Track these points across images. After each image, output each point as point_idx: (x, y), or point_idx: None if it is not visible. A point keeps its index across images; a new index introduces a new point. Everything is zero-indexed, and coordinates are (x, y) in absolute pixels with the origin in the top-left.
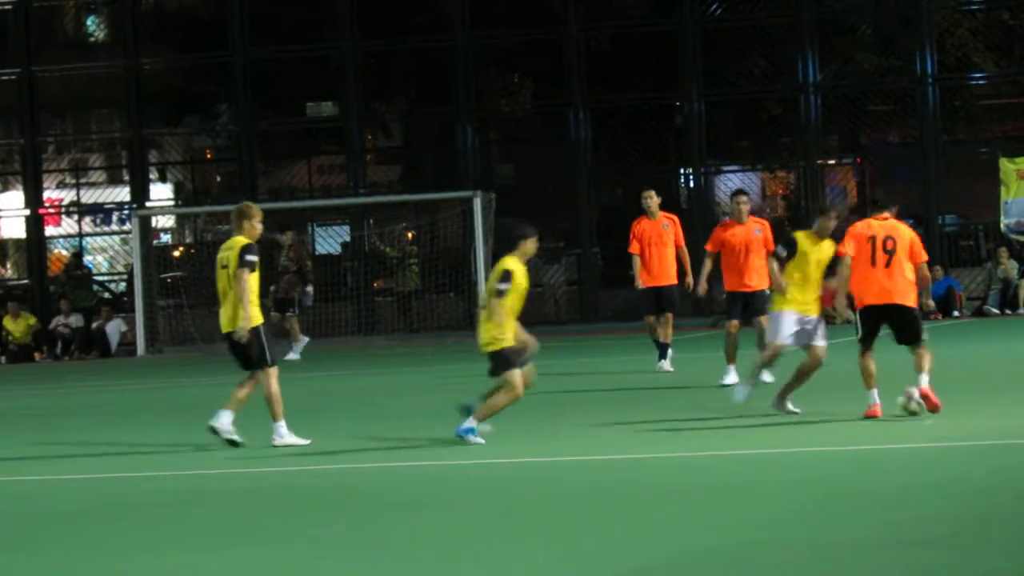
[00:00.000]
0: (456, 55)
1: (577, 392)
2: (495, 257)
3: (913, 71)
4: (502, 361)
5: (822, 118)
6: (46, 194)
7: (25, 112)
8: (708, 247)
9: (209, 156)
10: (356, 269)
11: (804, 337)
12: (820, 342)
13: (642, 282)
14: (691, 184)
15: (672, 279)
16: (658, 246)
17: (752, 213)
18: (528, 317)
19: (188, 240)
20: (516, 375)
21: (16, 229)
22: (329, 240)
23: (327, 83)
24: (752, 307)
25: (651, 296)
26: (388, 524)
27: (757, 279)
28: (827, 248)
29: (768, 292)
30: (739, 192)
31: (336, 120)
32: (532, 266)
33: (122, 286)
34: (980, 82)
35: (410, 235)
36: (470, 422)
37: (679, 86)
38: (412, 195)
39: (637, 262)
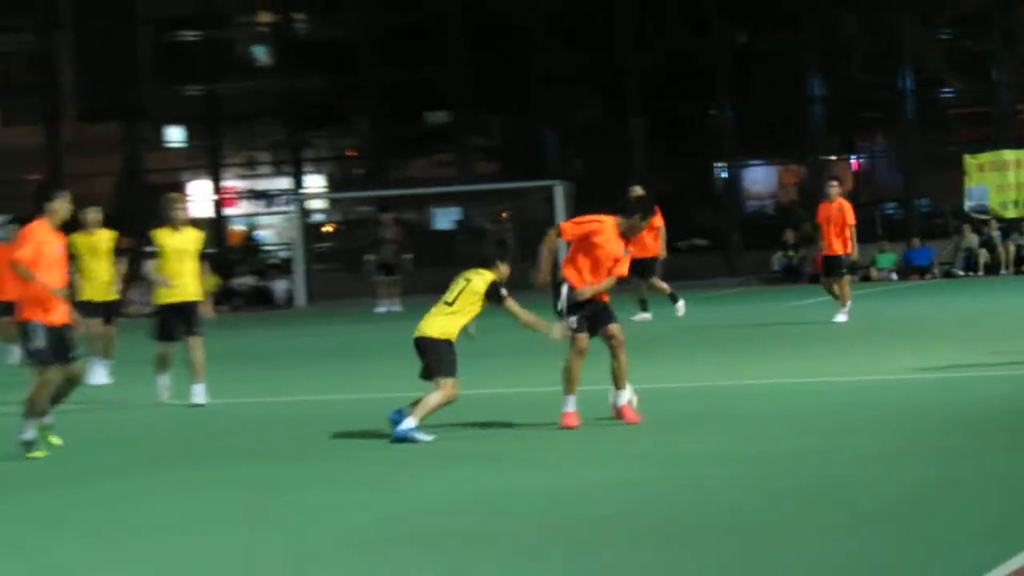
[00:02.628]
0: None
1: None
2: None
3: (894, 85)
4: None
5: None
6: (226, 183)
7: (209, 120)
8: None
9: (352, 154)
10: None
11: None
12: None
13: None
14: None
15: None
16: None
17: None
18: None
19: (337, 218)
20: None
21: (205, 210)
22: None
23: None
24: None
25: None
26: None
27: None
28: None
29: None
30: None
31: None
32: None
33: (282, 254)
34: (948, 95)
35: None
36: None
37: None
38: None
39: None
